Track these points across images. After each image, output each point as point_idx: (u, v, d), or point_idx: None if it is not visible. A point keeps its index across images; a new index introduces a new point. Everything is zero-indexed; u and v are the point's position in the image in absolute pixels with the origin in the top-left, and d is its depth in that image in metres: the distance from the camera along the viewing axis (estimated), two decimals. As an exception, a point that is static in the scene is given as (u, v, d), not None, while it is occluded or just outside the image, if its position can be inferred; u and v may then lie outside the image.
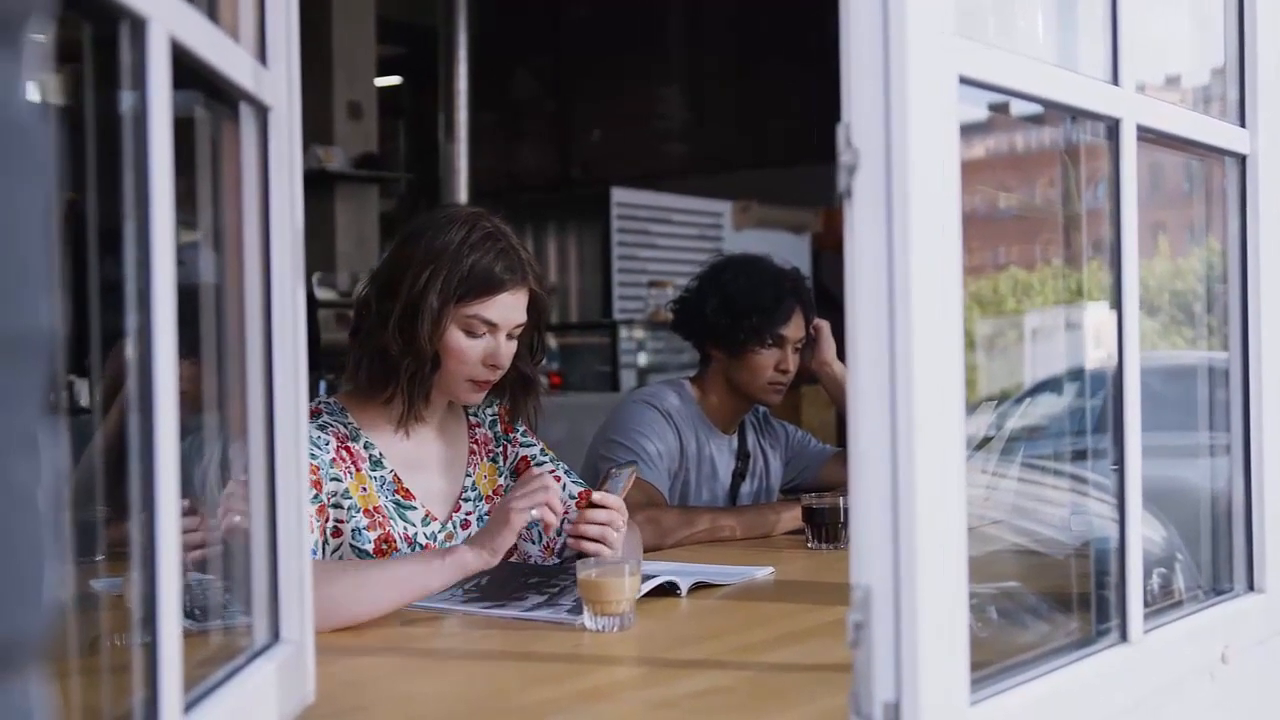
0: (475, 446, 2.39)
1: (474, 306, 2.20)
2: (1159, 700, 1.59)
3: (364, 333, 2.22)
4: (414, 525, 2.23)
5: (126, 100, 1.03)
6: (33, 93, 0.60)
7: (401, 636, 1.88)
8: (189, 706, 1.12)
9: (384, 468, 2.23)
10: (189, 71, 1.13)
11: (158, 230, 1.03)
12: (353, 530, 2.16)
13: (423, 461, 2.30)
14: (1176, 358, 2.04)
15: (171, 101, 1.05)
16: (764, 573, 2.36)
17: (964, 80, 1.25)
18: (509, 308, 2.23)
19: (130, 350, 1.03)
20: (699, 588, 2.19)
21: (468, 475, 2.36)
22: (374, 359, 2.22)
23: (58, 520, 0.61)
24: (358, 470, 2.20)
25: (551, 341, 7.67)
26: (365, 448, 2.23)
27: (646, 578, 2.04)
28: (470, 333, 2.21)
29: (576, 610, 1.91)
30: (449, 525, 2.29)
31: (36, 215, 0.58)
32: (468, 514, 2.33)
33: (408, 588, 1.97)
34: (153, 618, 1.03)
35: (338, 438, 2.18)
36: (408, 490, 2.25)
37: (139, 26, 1.01)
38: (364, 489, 2.19)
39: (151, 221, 1.02)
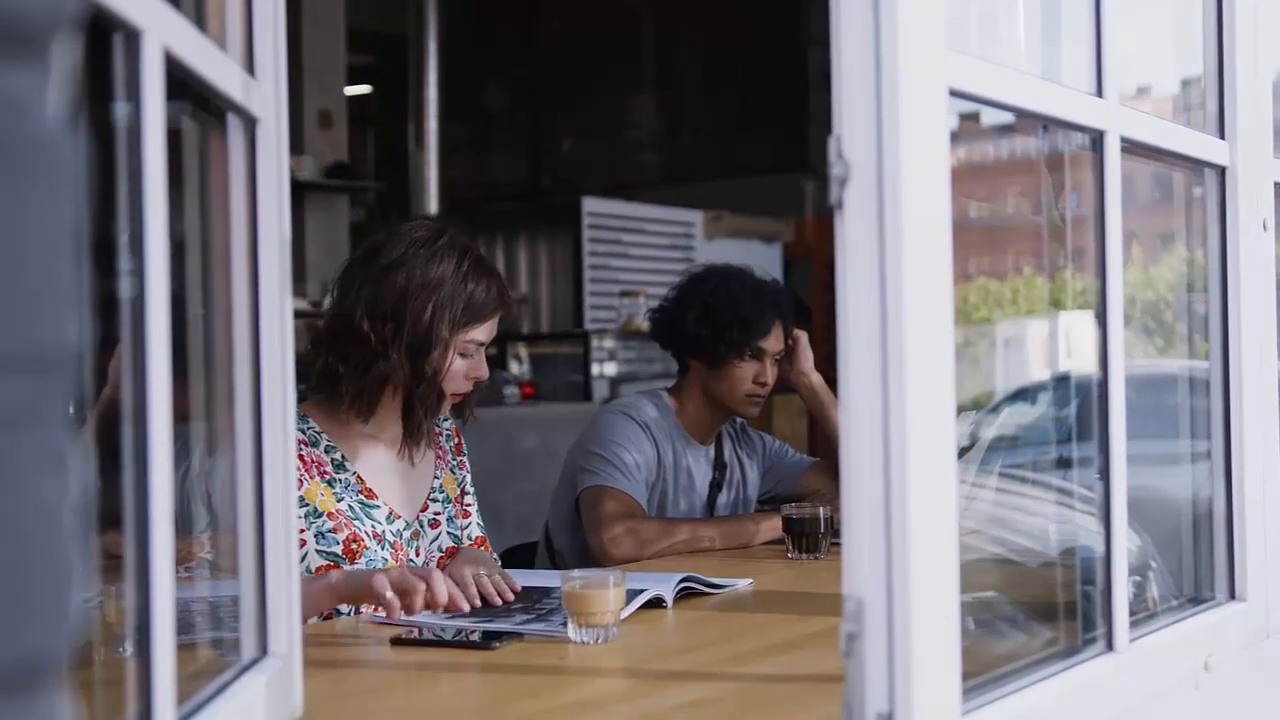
0: (440, 451, 2.48)
1: (473, 332, 2.31)
2: (1145, 709, 1.60)
3: (360, 361, 2.25)
4: (380, 523, 2.29)
5: (120, 111, 1.02)
6: (59, 106, 0.59)
7: (388, 651, 1.88)
8: (180, 722, 1.11)
9: (347, 470, 2.30)
10: (178, 82, 1.12)
11: (151, 241, 1.02)
12: (318, 535, 2.21)
13: (389, 465, 2.36)
14: (1148, 367, 2.06)
15: (165, 112, 1.04)
16: (744, 584, 2.37)
17: (954, 92, 1.26)
18: (495, 327, 2.36)
19: (124, 361, 1.03)
20: (685, 595, 2.19)
21: (435, 477, 2.44)
22: (376, 386, 2.27)
23: (82, 536, 0.60)
24: (312, 477, 2.25)
25: (523, 351, 7.65)
26: (326, 452, 2.29)
27: (633, 592, 2.04)
28: (463, 355, 2.31)
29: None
30: (415, 524, 2.37)
31: (64, 230, 0.58)
32: (436, 514, 2.42)
33: None
34: (146, 632, 1.02)
35: None
36: (371, 490, 2.31)
37: (133, 38, 1.00)
38: (323, 494, 2.25)
39: (145, 232, 1.02)
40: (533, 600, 2.15)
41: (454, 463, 2.51)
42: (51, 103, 0.58)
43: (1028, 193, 1.98)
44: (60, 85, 0.60)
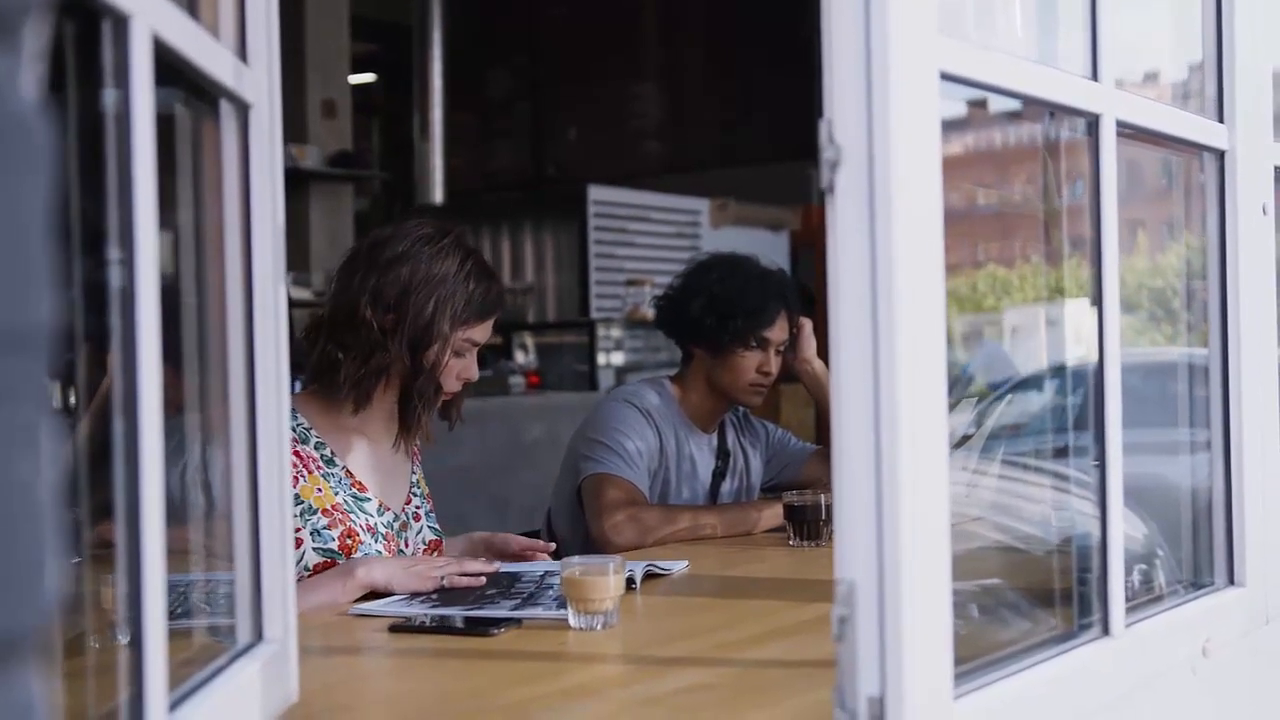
0: (416, 449, 2.51)
1: (470, 331, 2.34)
2: (1141, 693, 1.60)
3: (359, 350, 2.28)
4: (371, 516, 2.33)
5: (108, 97, 1.02)
6: (31, 89, 0.60)
7: (384, 638, 1.88)
8: (173, 706, 1.11)
9: (337, 465, 2.32)
10: (169, 68, 1.12)
11: (141, 229, 1.02)
12: (312, 532, 2.24)
13: (373, 459, 2.39)
14: (1155, 354, 2.05)
15: (154, 99, 1.04)
16: (679, 566, 2.40)
17: (945, 76, 1.25)
18: (490, 329, 2.39)
19: (113, 352, 1.03)
20: (649, 577, 2.25)
21: (413, 473, 2.49)
22: (374, 376, 2.30)
23: (58, 514, 0.61)
24: (310, 472, 2.28)
25: (528, 341, 7.66)
26: (316, 448, 2.32)
27: None
28: (458, 353, 2.34)
29: (563, 604, 1.91)
30: (403, 515, 2.41)
31: (37, 210, 0.58)
32: (416, 508, 2.47)
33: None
34: (138, 618, 1.02)
35: None
36: (361, 483, 2.34)
37: (121, 24, 1.00)
38: (319, 490, 2.28)
39: (135, 220, 1.02)
40: (506, 585, 2.16)
41: (420, 462, 2.56)
42: (23, 85, 0.59)
43: (1035, 180, 1.98)
44: (32, 68, 0.60)
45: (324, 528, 2.24)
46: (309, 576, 2.19)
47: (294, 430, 2.28)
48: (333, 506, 2.27)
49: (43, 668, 0.60)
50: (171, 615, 1.14)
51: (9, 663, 0.57)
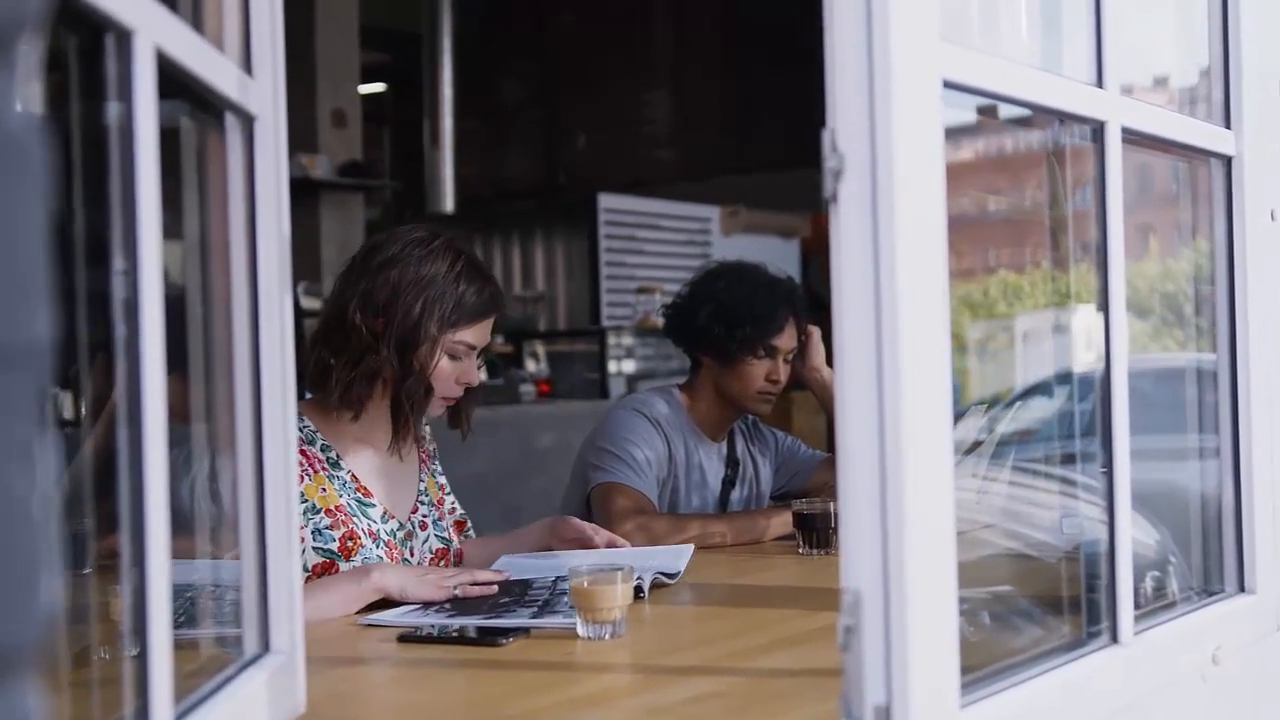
0: (424, 456, 2.52)
1: (462, 333, 2.33)
2: (1150, 701, 1.60)
3: (350, 354, 2.29)
4: (375, 522, 2.33)
5: (112, 111, 1.02)
6: (26, 104, 0.60)
7: (393, 648, 1.88)
8: (179, 717, 1.11)
9: (342, 469, 2.33)
10: (173, 81, 1.13)
11: (144, 241, 1.02)
12: (314, 531, 2.24)
13: (380, 467, 2.40)
14: (1167, 360, 2.05)
15: (157, 112, 1.05)
16: (685, 554, 2.43)
17: (948, 84, 1.25)
18: (488, 331, 2.38)
19: (118, 363, 1.03)
20: (656, 586, 2.24)
21: (420, 480, 2.48)
22: (364, 380, 2.30)
23: (53, 529, 0.61)
24: (315, 473, 2.29)
25: (539, 349, 7.66)
26: (322, 450, 2.32)
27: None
28: (453, 356, 2.34)
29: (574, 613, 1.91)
30: (408, 525, 2.41)
31: (32, 225, 0.58)
32: (424, 516, 2.46)
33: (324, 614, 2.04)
34: (143, 629, 1.02)
35: None
36: (366, 489, 2.35)
37: (125, 38, 1.01)
38: (323, 490, 2.28)
39: (138, 232, 1.02)
40: (519, 594, 2.16)
41: (434, 467, 2.55)
42: (18, 101, 0.59)
43: (1047, 186, 1.98)
44: (27, 83, 0.60)
45: (326, 528, 2.25)
46: (310, 578, 2.19)
47: (301, 432, 2.28)
48: (336, 507, 2.27)
49: (39, 681, 0.60)
50: (177, 624, 1.14)
51: (5, 676, 0.57)
